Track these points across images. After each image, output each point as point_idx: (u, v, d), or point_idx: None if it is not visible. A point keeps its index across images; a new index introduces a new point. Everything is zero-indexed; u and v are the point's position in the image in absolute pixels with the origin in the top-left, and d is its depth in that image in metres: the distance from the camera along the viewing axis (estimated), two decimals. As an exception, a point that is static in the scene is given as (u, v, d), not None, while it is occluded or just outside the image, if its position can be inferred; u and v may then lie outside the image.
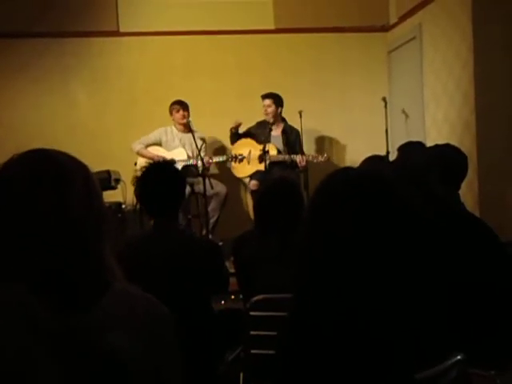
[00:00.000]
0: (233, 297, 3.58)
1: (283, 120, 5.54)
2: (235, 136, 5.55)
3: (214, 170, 5.92)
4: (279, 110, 5.47)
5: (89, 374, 0.95)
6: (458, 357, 1.15)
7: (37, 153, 1.04)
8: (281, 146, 5.45)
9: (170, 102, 5.46)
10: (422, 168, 2.46)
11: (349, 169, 1.26)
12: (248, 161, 5.43)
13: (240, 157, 5.30)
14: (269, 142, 5.34)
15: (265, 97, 5.45)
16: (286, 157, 5.33)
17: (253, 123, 5.57)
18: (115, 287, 1.03)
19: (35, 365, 0.91)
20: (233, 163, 5.48)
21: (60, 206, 0.98)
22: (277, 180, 2.70)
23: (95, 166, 1.23)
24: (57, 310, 0.95)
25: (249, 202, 5.79)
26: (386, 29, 6.28)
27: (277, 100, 5.43)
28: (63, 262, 0.97)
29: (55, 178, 1.00)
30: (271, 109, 5.41)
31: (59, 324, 0.94)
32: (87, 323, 0.97)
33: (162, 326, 1.08)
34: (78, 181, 1.02)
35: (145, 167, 2.48)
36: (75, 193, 1.00)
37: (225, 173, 5.80)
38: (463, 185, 2.57)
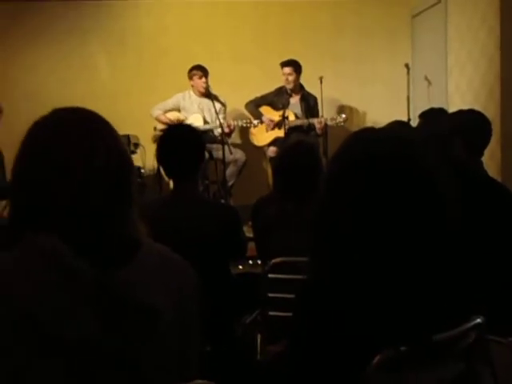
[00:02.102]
0: (250, 262, 3.61)
1: (301, 87, 5.47)
2: (253, 106, 5.50)
3: (236, 139, 5.87)
4: (299, 77, 5.38)
5: (124, 326, 0.97)
6: (478, 320, 1.15)
7: (69, 111, 1.05)
8: (299, 113, 5.39)
9: (190, 66, 5.40)
10: (447, 134, 2.42)
11: (373, 129, 1.22)
12: (267, 129, 5.39)
13: (256, 121, 5.26)
14: (287, 108, 5.28)
15: (285, 64, 5.34)
16: (304, 121, 5.27)
17: (271, 89, 5.51)
18: (146, 245, 1.04)
19: (70, 314, 0.93)
20: (251, 130, 5.45)
21: (92, 165, 0.98)
22: (295, 143, 2.68)
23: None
24: (92, 263, 0.95)
25: (268, 170, 5.77)
26: (410, -7, 6.13)
27: (297, 67, 5.34)
28: (94, 217, 0.98)
29: (87, 135, 1.01)
30: (292, 77, 5.32)
31: (95, 276, 0.95)
32: (122, 277, 0.98)
33: (190, 286, 1.10)
34: (108, 138, 1.03)
35: (165, 129, 2.47)
36: (106, 149, 1.01)
37: (245, 142, 5.76)
38: (485, 153, 2.52)
